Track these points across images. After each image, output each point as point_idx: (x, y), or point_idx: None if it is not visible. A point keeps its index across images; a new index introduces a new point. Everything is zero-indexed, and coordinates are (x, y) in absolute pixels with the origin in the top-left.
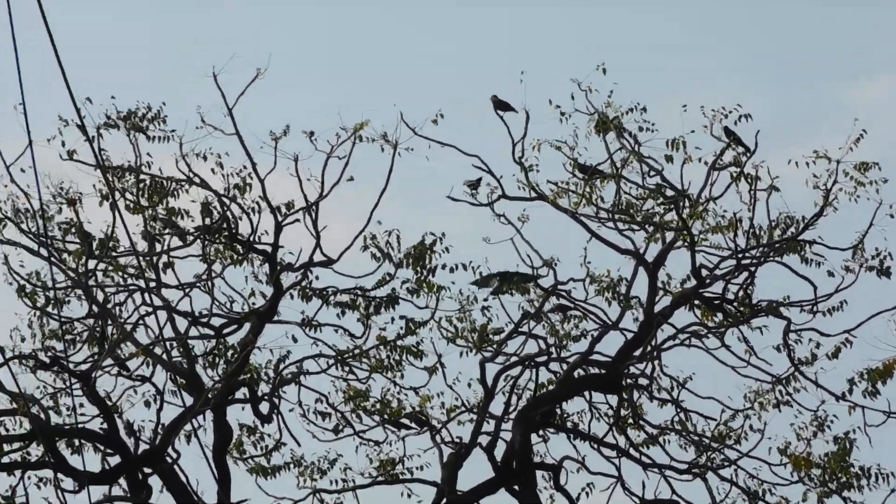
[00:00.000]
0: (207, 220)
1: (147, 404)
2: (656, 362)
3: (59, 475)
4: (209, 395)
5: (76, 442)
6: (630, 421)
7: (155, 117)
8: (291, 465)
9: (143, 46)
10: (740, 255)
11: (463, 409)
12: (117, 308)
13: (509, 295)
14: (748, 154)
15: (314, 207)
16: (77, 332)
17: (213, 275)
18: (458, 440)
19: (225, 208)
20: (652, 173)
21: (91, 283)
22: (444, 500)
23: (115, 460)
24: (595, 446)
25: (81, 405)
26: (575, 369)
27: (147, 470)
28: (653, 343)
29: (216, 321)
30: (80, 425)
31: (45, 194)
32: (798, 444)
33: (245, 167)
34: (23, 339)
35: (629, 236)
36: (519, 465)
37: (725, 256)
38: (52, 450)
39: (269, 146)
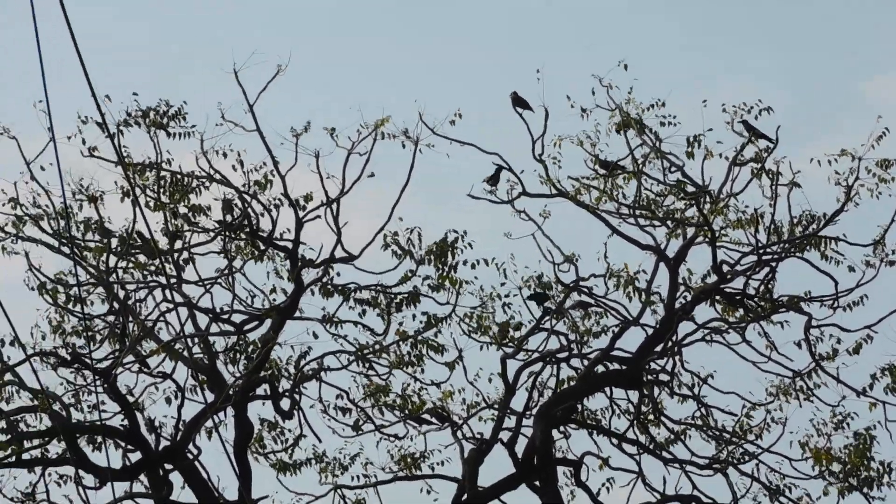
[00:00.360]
0: (228, 217)
1: (168, 401)
2: (677, 358)
3: (80, 472)
4: (230, 392)
5: (97, 439)
6: (651, 417)
7: (176, 114)
8: (313, 461)
9: (143, 46)
10: (761, 251)
11: (484, 405)
12: (138, 305)
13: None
14: (770, 148)
15: (335, 203)
16: (98, 328)
17: (234, 271)
18: (479, 436)
19: (246, 205)
20: (673, 169)
21: (112, 279)
22: (465, 496)
23: (136, 457)
24: (616, 442)
25: (103, 402)
26: (596, 365)
27: (168, 466)
28: (673, 339)
29: (237, 317)
30: (101, 422)
31: (66, 192)
32: (818, 439)
33: (265, 164)
34: (43, 337)
35: (650, 232)
36: (540, 461)
37: (746, 252)
38: (73, 446)
39: (290, 142)
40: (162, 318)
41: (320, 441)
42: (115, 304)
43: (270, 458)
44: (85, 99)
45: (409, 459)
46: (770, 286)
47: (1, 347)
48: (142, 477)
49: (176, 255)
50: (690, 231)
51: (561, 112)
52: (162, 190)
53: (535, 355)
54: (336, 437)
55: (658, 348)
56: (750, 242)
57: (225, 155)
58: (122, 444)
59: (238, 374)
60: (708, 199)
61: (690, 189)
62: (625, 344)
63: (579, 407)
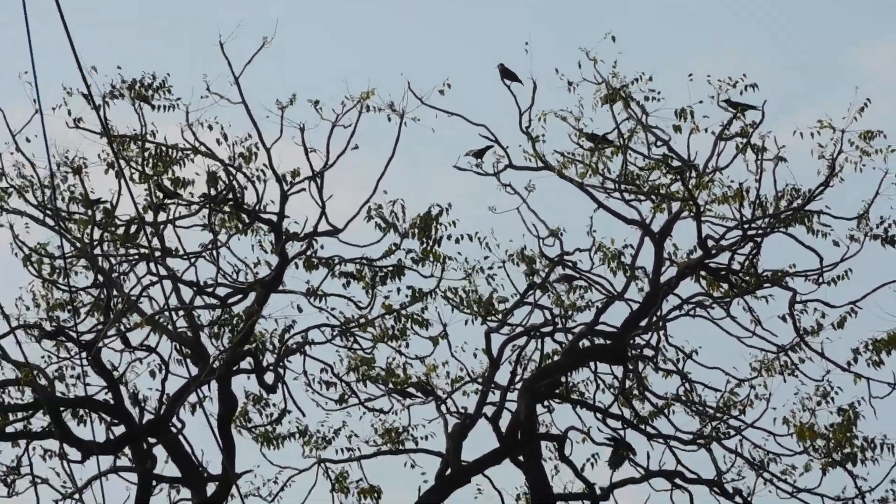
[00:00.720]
0: (213, 190)
1: (152, 374)
2: (661, 333)
3: (64, 445)
4: (214, 365)
5: (81, 412)
6: (635, 392)
7: (160, 87)
8: (296, 435)
9: (132, 20)
10: (746, 226)
11: (468, 379)
12: (122, 277)
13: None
14: (756, 123)
15: (319, 176)
16: (82, 301)
17: (219, 244)
18: (463, 410)
19: (231, 177)
20: (658, 143)
21: (96, 252)
22: (449, 470)
23: (120, 430)
24: (600, 417)
25: (87, 375)
26: (580, 340)
27: (152, 440)
28: (658, 313)
29: (221, 291)
30: (85, 396)
31: (52, 163)
32: (802, 414)
33: (250, 136)
34: (27, 308)
35: (635, 206)
36: (524, 435)
37: (731, 227)
38: (57, 420)
39: (275, 115)
40: (146, 292)
41: (304, 415)
42: (100, 277)
43: (254, 432)
44: (71, 71)
45: (393, 434)
46: (755, 261)
47: None
48: (126, 450)
49: (161, 227)
50: (676, 206)
51: (550, 83)
52: (146, 162)
53: (520, 329)
54: (320, 410)
55: (643, 323)
56: (735, 217)
57: (210, 127)
58: (106, 417)
59: (222, 348)
60: (693, 173)
61: (676, 163)
62: (609, 318)
63: (563, 381)
